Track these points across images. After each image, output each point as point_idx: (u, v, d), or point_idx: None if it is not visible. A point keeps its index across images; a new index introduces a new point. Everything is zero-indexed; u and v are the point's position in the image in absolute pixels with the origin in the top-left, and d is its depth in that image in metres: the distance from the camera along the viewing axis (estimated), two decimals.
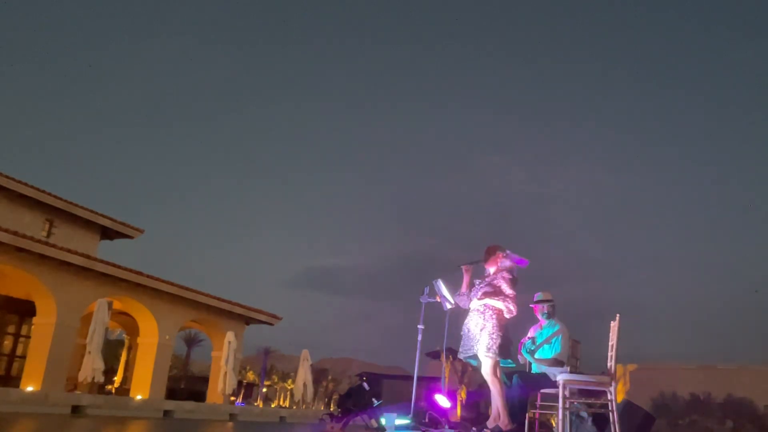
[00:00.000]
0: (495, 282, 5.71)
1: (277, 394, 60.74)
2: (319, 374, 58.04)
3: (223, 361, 19.38)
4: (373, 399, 9.17)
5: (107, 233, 21.76)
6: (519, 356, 5.84)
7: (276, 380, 60.15)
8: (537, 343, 5.87)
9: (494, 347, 5.44)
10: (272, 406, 47.43)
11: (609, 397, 5.18)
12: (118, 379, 21.79)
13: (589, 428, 6.23)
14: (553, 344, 5.76)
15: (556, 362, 5.64)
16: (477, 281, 5.89)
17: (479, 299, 5.70)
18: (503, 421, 5.43)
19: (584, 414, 6.30)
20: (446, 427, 6.55)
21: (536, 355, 5.81)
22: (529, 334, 5.98)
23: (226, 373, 19.24)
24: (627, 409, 6.53)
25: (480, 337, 5.54)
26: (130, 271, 17.12)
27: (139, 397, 17.63)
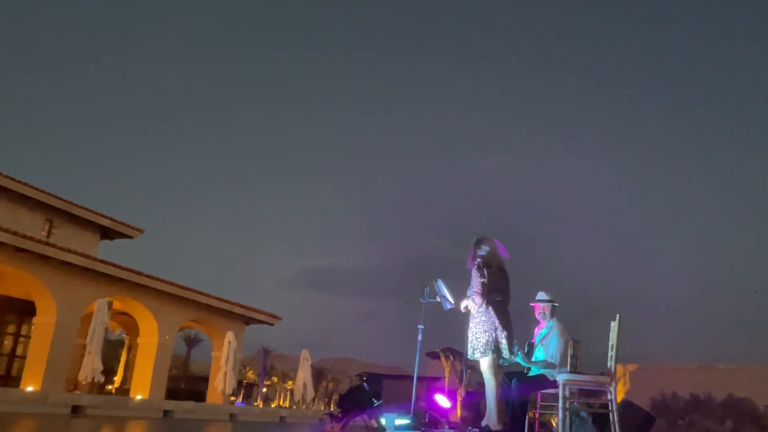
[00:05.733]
0: (471, 280, 5.76)
1: (277, 394, 60.70)
2: (319, 374, 57.97)
3: (223, 361, 19.38)
4: (373, 399, 9.16)
5: (107, 233, 21.76)
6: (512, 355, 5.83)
7: (276, 380, 60.12)
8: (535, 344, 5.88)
9: (479, 346, 5.48)
10: (272, 406, 47.42)
11: (609, 397, 5.18)
12: (118, 379, 21.80)
13: (589, 428, 6.23)
14: (546, 345, 5.76)
15: (548, 365, 5.64)
16: None
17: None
18: (492, 420, 5.44)
19: (584, 414, 6.29)
20: (446, 427, 6.55)
21: (532, 357, 5.82)
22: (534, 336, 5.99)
23: (226, 373, 19.24)
24: (627, 409, 6.52)
25: (470, 337, 5.63)
26: (130, 271, 17.11)
27: (139, 397, 17.63)
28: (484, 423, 5.55)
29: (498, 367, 5.53)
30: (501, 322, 5.55)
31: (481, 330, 5.54)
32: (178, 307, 19.50)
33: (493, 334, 5.51)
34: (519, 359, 5.71)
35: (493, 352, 5.47)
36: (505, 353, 5.53)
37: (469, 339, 5.65)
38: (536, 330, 6.02)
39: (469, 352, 5.66)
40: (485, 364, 5.52)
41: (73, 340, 16.17)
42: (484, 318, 5.56)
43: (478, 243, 5.82)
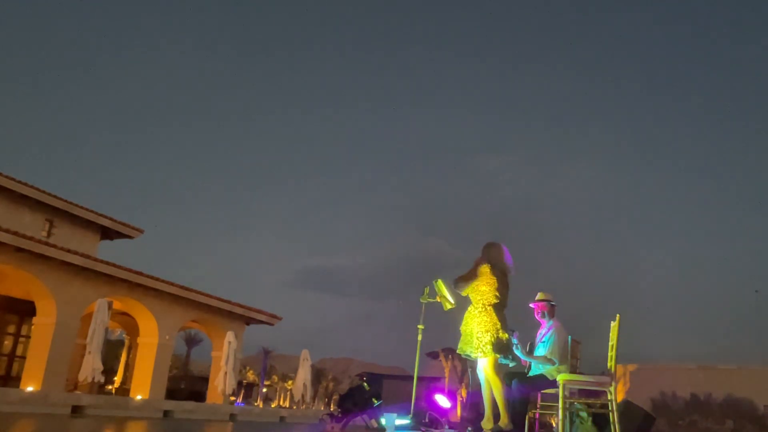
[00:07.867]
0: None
1: (277, 394, 60.69)
2: (319, 374, 58.00)
3: (223, 361, 19.38)
4: (373, 399, 9.16)
5: (107, 233, 21.75)
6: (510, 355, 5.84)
7: (276, 380, 60.11)
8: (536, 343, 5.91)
9: (482, 345, 5.50)
10: (272, 406, 47.38)
11: (609, 397, 5.18)
12: (118, 379, 21.80)
13: (589, 428, 6.23)
14: (546, 343, 5.78)
15: (547, 360, 5.66)
16: None
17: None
18: (503, 421, 5.45)
19: (584, 414, 6.30)
20: (446, 427, 6.56)
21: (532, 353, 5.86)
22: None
23: (226, 373, 19.24)
24: (627, 409, 6.53)
25: (469, 336, 5.66)
26: (130, 271, 17.10)
27: (139, 397, 17.62)
28: (485, 425, 5.53)
29: (500, 366, 5.55)
30: (500, 323, 5.58)
31: (482, 330, 5.53)
32: (179, 307, 19.49)
33: (496, 334, 5.51)
34: (518, 352, 5.74)
35: (496, 351, 5.46)
36: (505, 353, 5.54)
37: (468, 338, 5.63)
38: (537, 333, 6.04)
39: (466, 350, 5.63)
40: (487, 363, 5.50)
41: (73, 340, 16.16)
42: (485, 318, 5.56)
43: (488, 246, 5.90)
